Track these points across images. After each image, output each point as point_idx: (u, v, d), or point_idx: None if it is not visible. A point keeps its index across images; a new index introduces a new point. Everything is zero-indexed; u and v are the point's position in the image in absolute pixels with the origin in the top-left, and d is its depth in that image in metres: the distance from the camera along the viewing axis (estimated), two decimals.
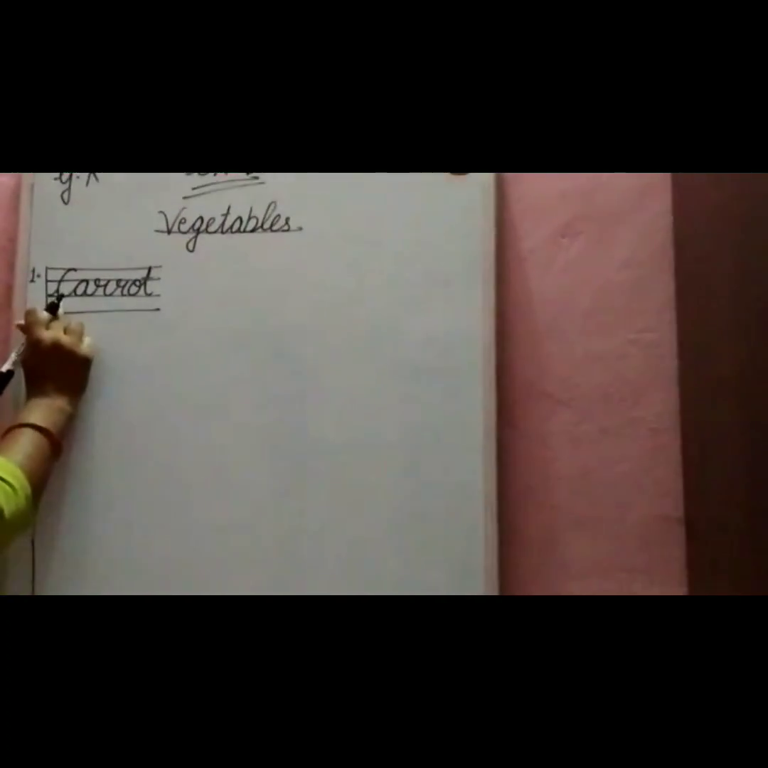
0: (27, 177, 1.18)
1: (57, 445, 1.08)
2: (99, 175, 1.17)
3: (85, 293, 1.16)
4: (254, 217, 1.14)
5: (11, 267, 1.18)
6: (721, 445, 1.00)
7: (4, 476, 0.98)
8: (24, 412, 1.08)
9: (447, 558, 1.07)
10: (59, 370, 1.11)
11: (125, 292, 1.15)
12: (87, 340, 1.14)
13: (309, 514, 1.10)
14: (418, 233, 1.12)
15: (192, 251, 1.15)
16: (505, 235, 1.14)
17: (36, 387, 1.10)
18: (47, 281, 1.16)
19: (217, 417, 1.12)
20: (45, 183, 1.18)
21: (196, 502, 1.11)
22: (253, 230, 1.14)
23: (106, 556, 1.12)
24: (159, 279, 1.15)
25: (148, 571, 1.11)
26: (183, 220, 1.15)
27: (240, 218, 1.14)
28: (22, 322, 1.12)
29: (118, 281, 1.16)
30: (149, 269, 1.15)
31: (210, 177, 1.15)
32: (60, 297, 1.15)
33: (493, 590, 1.05)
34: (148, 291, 1.15)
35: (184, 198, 1.16)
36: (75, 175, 1.17)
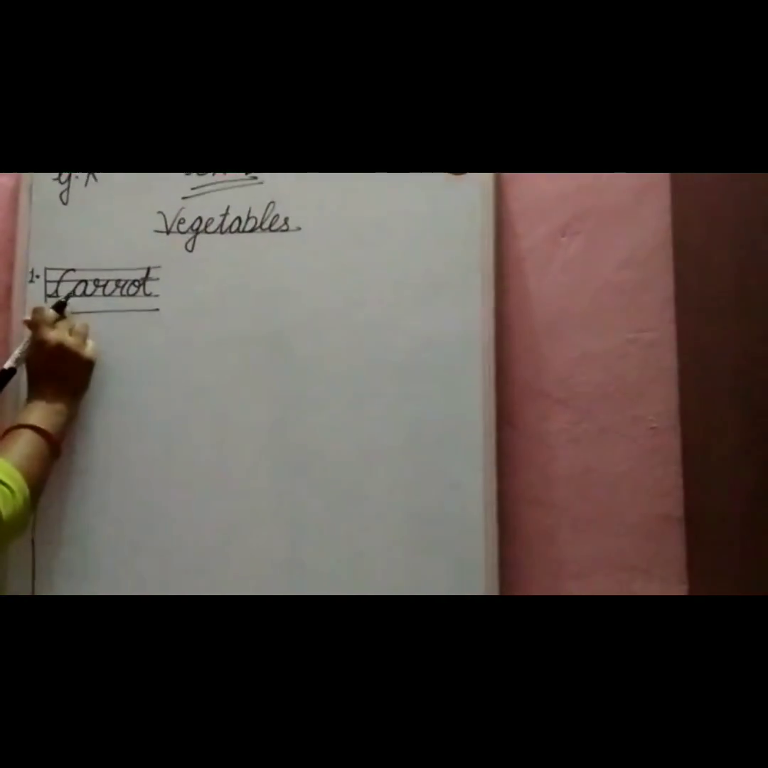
0: (26, 177, 1.18)
1: (56, 446, 1.07)
2: (98, 175, 1.17)
3: (84, 293, 1.15)
4: (253, 217, 1.14)
5: (10, 267, 1.18)
6: (721, 443, 1.00)
7: (2, 478, 0.98)
8: (23, 413, 1.08)
9: (447, 557, 1.07)
10: (62, 372, 1.10)
11: (124, 292, 1.15)
12: (90, 343, 1.14)
13: (309, 514, 1.10)
14: (417, 233, 1.12)
15: (191, 251, 1.15)
16: (504, 234, 1.14)
17: (37, 387, 1.10)
18: (46, 281, 1.16)
19: (216, 416, 1.12)
20: (44, 183, 1.17)
21: (196, 501, 1.11)
22: (252, 230, 1.14)
23: (105, 556, 1.12)
24: (158, 279, 1.15)
25: (147, 571, 1.11)
26: (182, 221, 1.15)
27: (239, 218, 1.14)
28: (28, 318, 1.12)
29: (117, 281, 1.15)
30: (148, 269, 1.15)
31: (209, 177, 1.15)
32: (68, 296, 1.15)
33: (493, 589, 1.05)
34: (147, 291, 1.15)
35: (183, 198, 1.15)
36: (74, 175, 1.17)
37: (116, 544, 1.12)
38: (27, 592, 1.12)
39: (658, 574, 1.07)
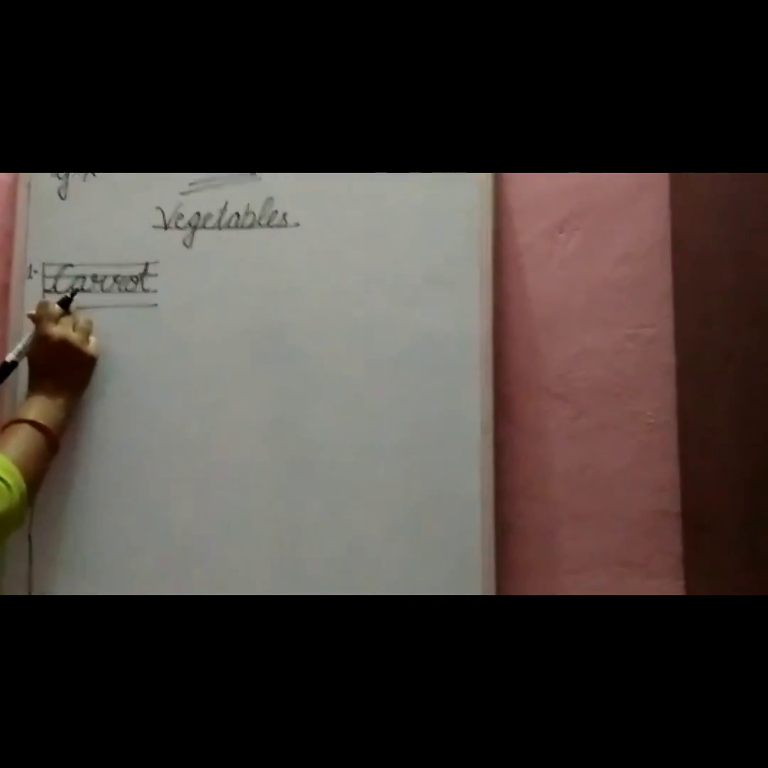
0: (24, 173, 1.18)
1: (54, 441, 1.07)
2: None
3: (82, 289, 1.15)
4: (251, 212, 1.14)
5: (8, 263, 1.17)
6: (719, 439, 1.00)
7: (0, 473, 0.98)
8: (23, 408, 1.08)
9: (445, 552, 1.07)
10: (63, 367, 1.10)
11: (122, 287, 1.15)
12: (93, 340, 1.14)
13: (308, 509, 1.10)
14: (416, 229, 1.12)
15: (189, 247, 1.15)
16: (503, 231, 1.14)
17: (38, 382, 1.10)
18: (44, 277, 1.16)
19: (214, 412, 1.12)
20: (42, 179, 1.17)
21: (195, 497, 1.11)
22: (250, 226, 1.14)
23: (103, 551, 1.12)
24: (156, 275, 1.15)
25: (146, 566, 1.11)
26: (180, 216, 1.15)
27: (237, 214, 1.14)
28: (33, 312, 1.12)
29: (115, 277, 1.15)
30: (146, 265, 1.15)
31: (207, 173, 1.15)
32: (73, 292, 1.14)
33: (490, 584, 1.06)
34: (146, 287, 1.15)
35: (181, 194, 1.15)
36: None
37: (114, 539, 1.12)
38: (24, 588, 1.12)
39: (656, 569, 1.07)
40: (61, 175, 1.17)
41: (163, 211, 1.15)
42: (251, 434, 1.11)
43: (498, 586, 1.06)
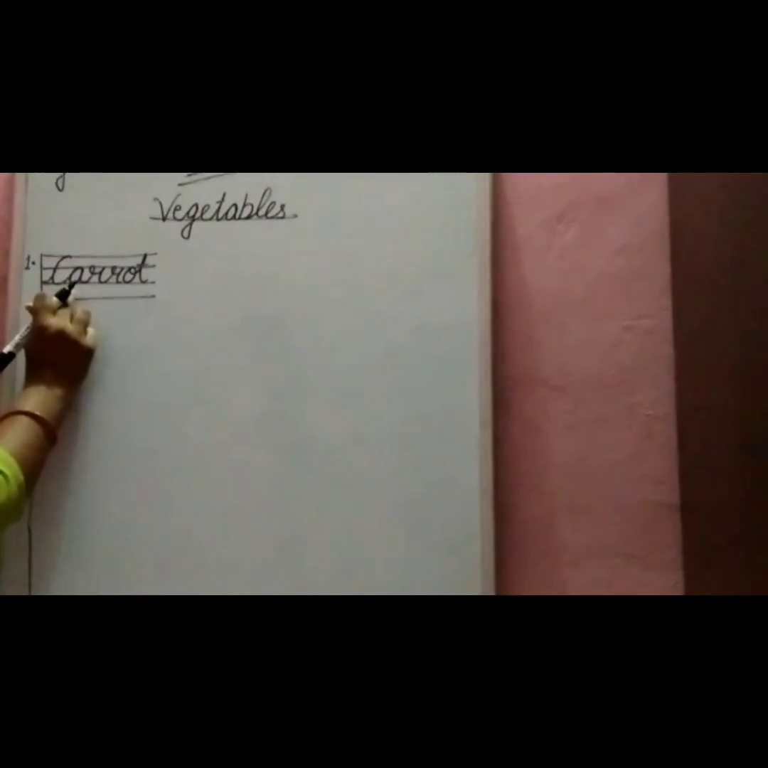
0: None
1: (52, 433, 1.07)
2: None
3: (79, 280, 1.15)
4: (249, 204, 1.14)
5: (6, 254, 1.18)
6: (717, 431, 1.00)
7: None
8: (20, 399, 1.08)
9: (444, 544, 1.07)
10: (61, 359, 1.10)
11: (120, 279, 1.15)
12: (91, 331, 1.14)
13: (306, 500, 1.10)
14: (414, 221, 1.12)
15: (187, 238, 1.15)
16: (501, 222, 1.13)
17: (35, 373, 1.10)
18: (42, 268, 1.16)
19: (212, 404, 1.12)
20: None
21: (193, 488, 1.11)
22: (248, 217, 1.14)
23: (103, 542, 1.12)
24: (154, 266, 1.15)
25: (146, 559, 1.11)
26: (178, 207, 1.15)
27: (235, 205, 1.14)
28: (30, 303, 1.12)
29: (113, 268, 1.15)
30: (144, 256, 1.15)
31: None
32: (72, 284, 1.14)
33: (489, 577, 1.06)
34: (144, 278, 1.15)
35: (179, 185, 1.15)
36: None
37: (113, 529, 1.12)
38: (24, 579, 1.12)
39: (654, 561, 1.07)
40: None
41: (160, 203, 1.15)
42: (249, 425, 1.11)
43: (497, 578, 1.06)
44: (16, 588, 1.12)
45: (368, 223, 1.12)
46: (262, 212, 1.14)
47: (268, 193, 1.14)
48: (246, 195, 1.14)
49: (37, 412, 1.06)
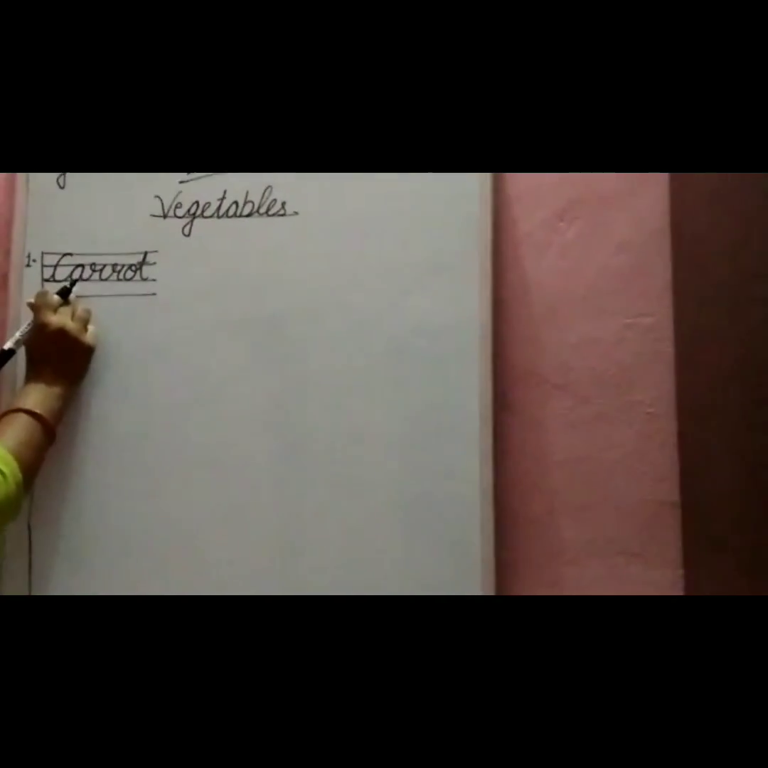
0: None
1: (51, 431, 1.07)
2: None
3: (80, 278, 1.15)
4: (250, 201, 1.14)
5: (7, 252, 1.18)
6: (718, 429, 1.00)
7: None
8: (20, 397, 1.08)
9: (444, 542, 1.07)
10: (61, 357, 1.10)
11: (121, 276, 1.15)
12: (91, 329, 1.14)
13: (306, 499, 1.10)
14: (415, 218, 1.11)
15: (188, 236, 1.15)
16: (502, 219, 1.13)
17: (35, 371, 1.10)
18: (43, 266, 1.16)
19: (212, 401, 1.12)
20: None
21: (193, 486, 1.11)
22: (249, 215, 1.14)
23: (103, 540, 1.12)
24: (155, 264, 1.15)
25: (145, 557, 1.11)
26: (179, 205, 1.15)
27: (236, 202, 1.14)
28: (32, 300, 1.12)
29: (114, 266, 1.15)
30: (145, 254, 1.15)
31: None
32: (73, 282, 1.15)
33: (489, 575, 1.05)
34: (144, 276, 1.15)
35: (180, 182, 1.15)
36: None
37: (113, 527, 1.12)
38: (24, 576, 1.12)
39: (655, 559, 1.07)
40: None
41: (161, 200, 1.15)
42: (250, 423, 1.11)
43: (497, 577, 1.06)
44: (16, 585, 1.12)
45: (369, 220, 1.12)
46: (263, 210, 1.14)
47: (269, 190, 1.14)
48: (247, 192, 1.14)
49: (37, 410, 1.06)
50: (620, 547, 1.08)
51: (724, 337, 0.99)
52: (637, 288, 1.11)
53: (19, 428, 1.04)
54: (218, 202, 1.14)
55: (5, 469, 0.99)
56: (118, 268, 1.15)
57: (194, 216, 1.15)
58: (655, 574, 1.07)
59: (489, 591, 1.05)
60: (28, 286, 1.15)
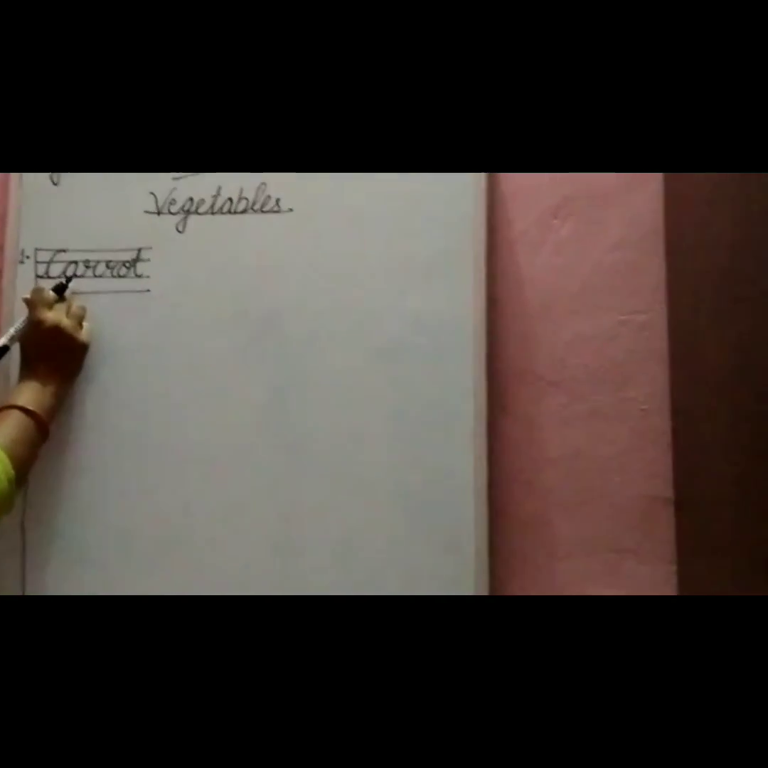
0: None
1: (44, 428, 1.07)
2: None
3: (74, 275, 1.15)
4: (244, 198, 1.14)
5: (0, 248, 1.17)
6: (711, 425, 1.00)
7: None
8: (13, 394, 1.08)
9: (438, 539, 1.07)
10: (55, 354, 1.10)
11: (115, 273, 1.15)
12: (86, 326, 1.13)
13: (300, 495, 1.09)
14: (409, 215, 1.11)
15: (182, 232, 1.15)
16: (496, 217, 1.13)
17: (29, 367, 1.10)
18: (36, 263, 1.16)
19: (206, 398, 1.12)
20: None
21: (188, 483, 1.11)
22: (243, 211, 1.14)
23: (97, 538, 1.12)
24: (149, 260, 1.15)
25: (140, 555, 1.11)
26: (173, 201, 1.15)
27: (230, 199, 1.14)
28: (28, 296, 1.11)
29: (108, 263, 1.15)
30: (139, 250, 1.15)
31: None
32: (68, 278, 1.14)
33: (483, 572, 1.06)
34: (138, 272, 1.15)
35: (174, 179, 1.15)
36: None
37: (108, 525, 1.12)
38: (18, 575, 1.11)
39: (649, 554, 1.07)
40: None
41: (155, 197, 1.15)
42: (244, 419, 1.11)
43: (492, 573, 1.06)
44: (9, 583, 1.11)
45: (363, 218, 1.12)
46: (257, 206, 1.14)
47: (263, 187, 1.14)
48: (241, 189, 1.14)
49: (30, 407, 1.06)
50: (614, 544, 1.09)
51: (718, 334, 1.00)
52: (631, 285, 1.11)
53: (11, 425, 1.04)
54: (212, 199, 1.14)
55: None
56: (112, 264, 1.15)
57: (188, 213, 1.15)
58: (648, 569, 1.07)
59: (483, 587, 1.05)
60: (21, 283, 1.15)
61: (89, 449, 1.13)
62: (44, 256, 1.16)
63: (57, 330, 1.09)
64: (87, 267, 1.15)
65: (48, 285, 1.13)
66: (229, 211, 1.14)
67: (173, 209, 1.15)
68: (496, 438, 1.10)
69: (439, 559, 1.07)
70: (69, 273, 1.15)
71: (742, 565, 0.94)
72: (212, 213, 1.14)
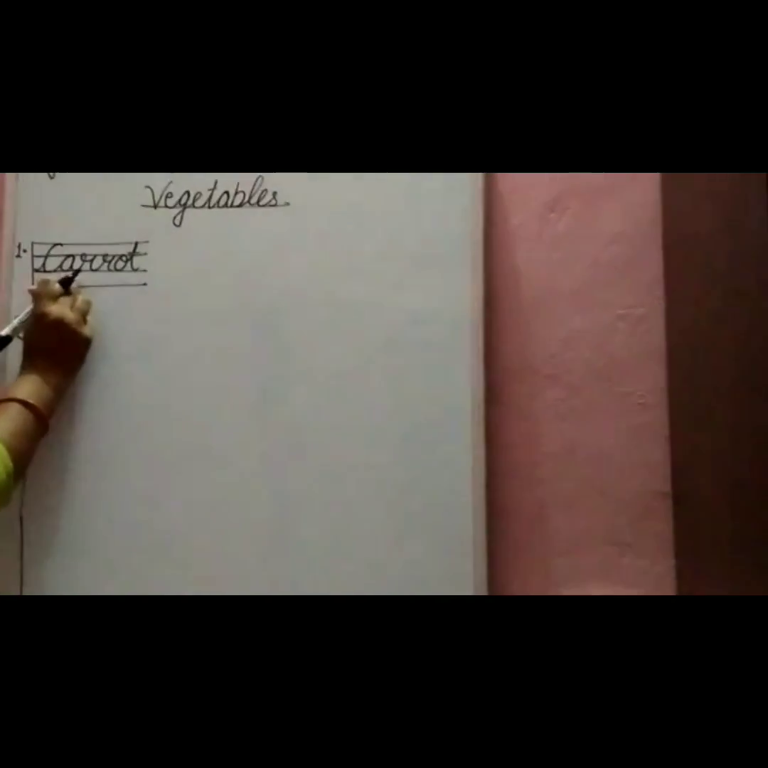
0: None
1: (43, 421, 1.07)
2: None
3: (80, 268, 1.15)
4: (241, 191, 1.14)
5: None
6: (709, 420, 1.00)
7: None
8: (14, 387, 1.08)
9: (436, 535, 1.07)
10: (58, 347, 1.10)
11: (112, 267, 1.15)
12: (90, 321, 1.13)
13: (296, 491, 1.09)
14: (406, 209, 1.11)
15: (179, 226, 1.14)
16: (493, 210, 1.13)
17: (31, 361, 1.10)
18: (33, 256, 1.15)
19: (203, 392, 1.12)
20: None
21: (185, 477, 1.11)
22: (240, 205, 1.14)
23: (94, 531, 1.12)
24: (146, 254, 1.14)
25: (138, 549, 1.11)
26: (169, 195, 1.15)
27: (227, 193, 1.14)
28: (34, 287, 1.11)
29: (105, 256, 1.15)
30: (136, 244, 1.15)
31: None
32: (75, 272, 1.14)
33: (481, 567, 1.06)
34: (135, 266, 1.14)
35: (171, 172, 1.15)
36: None
37: (106, 519, 1.12)
38: (16, 568, 1.11)
39: (647, 549, 1.07)
40: None
41: (152, 190, 1.15)
42: (240, 412, 1.11)
43: (489, 568, 1.06)
44: (7, 577, 1.11)
45: (360, 211, 1.12)
46: (254, 200, 1.13)
47: (260, 181, 1.13)
48: (238, 183, 1.14)
49: (30, 400, 1.05)
50: (612, 538, 1.09)
51: (715, 328, 1.00)
52: (628, 279, 1.11)
53: (10, 418, 1.04)
54: (209, 193, 1.14)
55: None
56: (109, 258, 1.15)
57: (185, 206, 1.14)
58: (647, 564, 1.07)
59: (481, 582, 1.05)
60: (18, 277, 1.15)
61: (87, 442, 1.13)
62: (41, 250, 1.16)
63: (60, 323, 1.09)
64: (84, 260, 1.15)
65: (48, 279, 1.12)
66: (226, 205, 1.14)
67: (170, 203, 1.14)
68: (493, 432, 1.10)
69: (436, 554, 1.07)
70: (65, 266, 1.15)
71: (739, 558, 0.94)
72: (209, 207, 1.14)
